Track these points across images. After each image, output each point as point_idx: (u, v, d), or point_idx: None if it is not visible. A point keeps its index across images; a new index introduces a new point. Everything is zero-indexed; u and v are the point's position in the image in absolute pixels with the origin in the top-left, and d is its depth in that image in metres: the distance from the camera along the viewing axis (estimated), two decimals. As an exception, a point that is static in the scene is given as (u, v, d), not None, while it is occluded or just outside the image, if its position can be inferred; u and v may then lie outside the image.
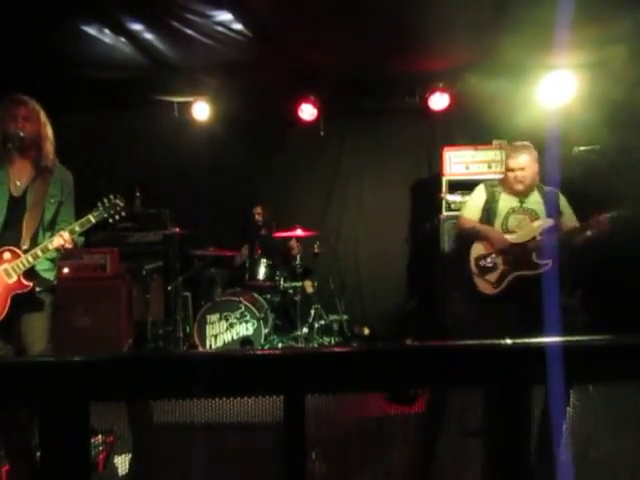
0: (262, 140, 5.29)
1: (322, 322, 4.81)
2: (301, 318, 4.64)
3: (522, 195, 3.16)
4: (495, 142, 4.61)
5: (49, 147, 2.54)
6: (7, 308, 2.41)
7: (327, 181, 5.50)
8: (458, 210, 4.46)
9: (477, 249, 3.19)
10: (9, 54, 3.77)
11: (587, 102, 4.30)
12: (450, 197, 4.56)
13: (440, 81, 4.74)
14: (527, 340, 1.07)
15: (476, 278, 3.15)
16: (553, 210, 3.13)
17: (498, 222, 3.15)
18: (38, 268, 2.54)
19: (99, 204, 2.56)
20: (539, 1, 3.10)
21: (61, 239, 2.42)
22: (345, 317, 4.96)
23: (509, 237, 3.10)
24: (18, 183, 2.49)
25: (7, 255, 2.42)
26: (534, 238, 3.06)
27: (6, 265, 2.41)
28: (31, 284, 2.46)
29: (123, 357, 1.01)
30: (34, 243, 2.48)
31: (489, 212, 3.18)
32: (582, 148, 2.92)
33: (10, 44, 3.63)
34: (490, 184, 3.32)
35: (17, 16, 3.23)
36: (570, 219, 3.14)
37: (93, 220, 2.52)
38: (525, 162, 3.13)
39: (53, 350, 2.49)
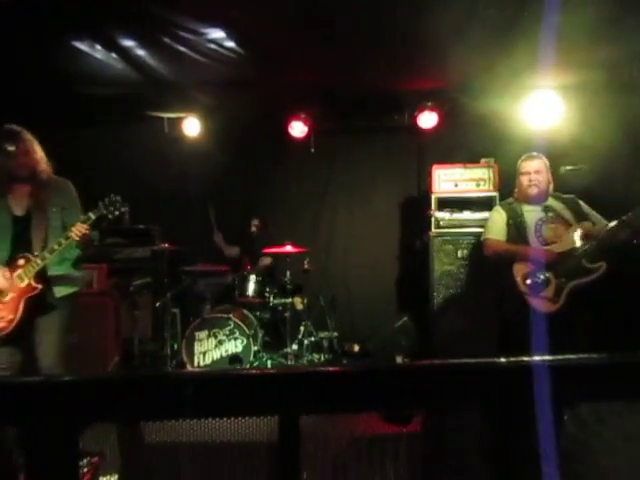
0: (253, 157, 5.30)
1: (312, 339, 4.76)
2: (291, 335, 4.60)
3: (540, 202, 3.09)
4: (484, 160, 4.66)
5: (43, 167, 2.62)
6: (21, 312, 2.49)
7: (317, 198, 5.51)
8: (447, 227, 4.53)
9: (520, 269, 3.00)
10: (-1, 69, 3.76)
11: (573, 123, 4.38)
12: (439, 214, 4.57)
13: (429, 100, 4.80)
14: (523, 358, 1.06)
15: (529, 298, 2.94)
16: (583, 216, 3.06)
17: (531, 235, 3.04)
18: (57, 273, 2.59)
19: (99, 203, 2.61)
20: (526, 23, 3.16)
21: (74, 231, 2.47)
22: (335, 334, 4.91)
23: (551, 248, 2.97)
24: (19, 204, 2.60)
25: (21, 261, 2.53)
26: (577, 245, 2.94)
27: (20, 271, 2.52)
28: (40, 286, 2.53)
29: (113, 377, 0.98)
30: (45, 249, 2.56)
31: (518, 227, 3.08)
32: (568, 167, 2.95)
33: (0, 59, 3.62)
34: (506, 202, 3.28)
35: (7, 31, 3.23)
36: (599, 220, 3.06)
37: (93, 216, 2.57)
38: (539, 166, 3.11)
39: (60, 364, 2.51)
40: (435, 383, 1.01)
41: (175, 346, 4.61)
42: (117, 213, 2.62)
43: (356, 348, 4.95)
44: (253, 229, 5.14)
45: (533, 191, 3.09)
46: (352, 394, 0.97)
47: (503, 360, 1.05)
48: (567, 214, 3.07)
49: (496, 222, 3.21)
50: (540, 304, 2.89)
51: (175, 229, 4.96)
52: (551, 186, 3.20)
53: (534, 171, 3.12)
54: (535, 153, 3.21)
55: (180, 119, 5.06)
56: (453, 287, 4.46)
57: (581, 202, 3.14)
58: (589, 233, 2.95)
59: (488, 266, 3.32)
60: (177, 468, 1.17)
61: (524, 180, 3.14)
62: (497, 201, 4.31)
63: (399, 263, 5.42)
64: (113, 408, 0.93)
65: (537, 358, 1.05)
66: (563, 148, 3.29)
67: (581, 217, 3.08)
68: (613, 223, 2.86)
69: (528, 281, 2.95)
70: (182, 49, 3.49)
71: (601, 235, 2.89)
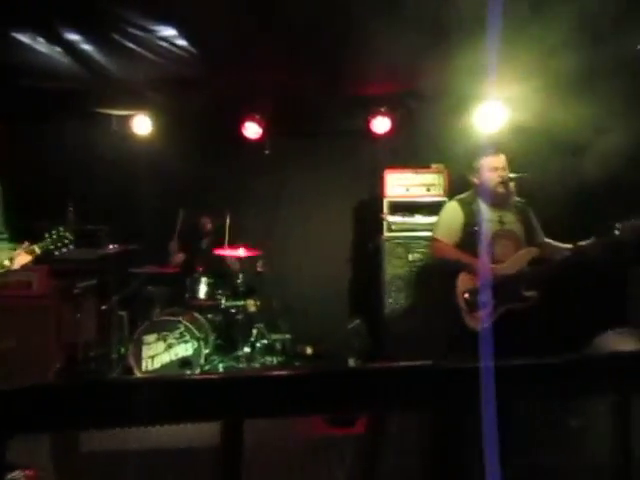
0: (206, 157, 5.19)
1: (264, 341, 4.73)
2: (243, 338, 4.58)
3: (504, 204, 3.01)
4: (434, 166, 4.76)
5: None
6: None
7: (272, 200, 5.47)
8: (399, 231, 4.60)
9: (465, 282, 2.93)
10: None
11: (516, 131, 4.58)
12: (391, 218, 4.64)
13: (382, 105, 4.87)
14: (465, 363, 1.09)
15: (464, 314, 2.89)
16: (532, 232, 3.03)
17: (484, 248, 2.92)
18: None
19: (46, 235, 2.46)
20: (475, 36, 3.27)
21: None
22: (288, 336, 4.92)
23: (497, 267, 2.91)
24: None
25: None
26: (521, 269, 2.91)
27: None
28: None
29: (44, 387, 0.94)
30: None
31: (474, 236, 2.93)
32: (512, 175, 3.00)
33: None
34: (465, 201, 3.08)
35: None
36: (539, 234, 3.07)
37: (38, 250, 2.47)
38: (505, 163, 2.98)
39: None
40: (379, 386, 1.03)
41: (122, 350, 4.48)
42: (64, 250, 2.50)
43: (309, 350, 4.96)
44: (204, 229, 5.05)
45: (501, 191, 2.97)
46: (296, 398, 0.97)
47: (444, 363, 1.08)
48: (519, 230, 3.02)
49: (450, 223, 3.05)
50: (473, 322, 2.87)
51: (124, 230, 4.82)
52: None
53: (502, 167, 2.98)
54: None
55: (129, 117, 4.92)
56: (405, 290, 4.52)
57: (531, 212, 3.12)
58: (535, 259, 2.93)
59: (435, 270, 3.32)
60: (116, 478, 1.13)
61: (493, 177, 2.97)
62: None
63: (352, 266, 5.44)
64: (42, 418, 0.89)
65: (476, 363, 1.08)
66: (509, 156, 3.40)
67: (530, 233, 3.05)
68: (563, 255, 2.87)
69: (467, 296, 2.89)
70: (131, 45, 3.40)
71: (548, 267, 2.90)
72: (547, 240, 3.09)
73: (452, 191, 4.35)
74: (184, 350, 4.19)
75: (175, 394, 0.99)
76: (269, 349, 4.76)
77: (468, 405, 1.07)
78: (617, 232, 2.77)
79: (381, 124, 4.92)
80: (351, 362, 4.48)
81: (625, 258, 3.16)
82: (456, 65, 3.63)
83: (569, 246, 2.90)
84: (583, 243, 2.86)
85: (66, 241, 2.50)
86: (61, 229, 2.51)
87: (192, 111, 4.84)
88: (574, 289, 3.97)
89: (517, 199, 3.10)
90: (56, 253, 2.49)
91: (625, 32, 3.43)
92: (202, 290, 4.60)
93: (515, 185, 3.04)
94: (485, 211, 3.01)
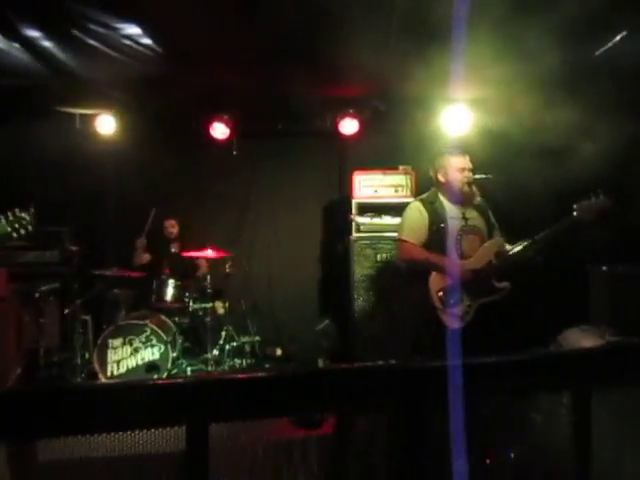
0: (173, 157, 5.08)
1: (233, 344, 4.69)
2: (211, 340, 4.52)
3: (467, 203, 3.05)
4: (402, 167, 4.81)
5: None
6: None
7: (240, 201, 5.45)
8: (368, 232, 4.64)
9: (437, 282, 2.93)
10: None
11: (481, 133, 4.68)
12: (360, 219, 4.67)
13: (350, 107, 4.89)
14: (434, 363, 1.10)
15: (440, 313, 2.91)
16: (491, 228, 3.10)
17: (451, 246, 2.95)
18: None
19: (1, 217, 2.32)
20: (440, 40, 3.33)
21: None
22: (257, 338, 4.87)
23: (466, 263, 2.95)
24: None
25: None
26: (490, 262, 2.95)
27: None
28: None
29: (2, 394, 0.90)
30: None
31: (441, 234, 2.96)
32: (477, 176, 3.06)
33: None
34: (428, 200, 3.09)
35: None
36: (497, 231, 3.14)
37: None
38: (470, 163, 3.03)
39: None
40: (345, 387, 1.03)
41: (86, 355, 4.37)
42: (23, 232, 2.36)
43: (278, 352, 4.95)
44: (170, 230, 4.98)
45: (466, 190, 3.00)
46: (261, 400, 0.97)
47: (411, 362, 1.09)
48: (481, 224, 3.08)
49: (416, 223, 3.04)
50: (450, 321, 2.88)
51: (87, 231, 4.70)
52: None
53: (469, 168, 3.03)
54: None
55: (93, 116, 4.82)
56: (373, 290, 4.56)
57: (490, 211, 3.19)
58: (500, 251, 2.99)
59: (405, 271, 3.29)
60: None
61: (459, 177, 3.00)
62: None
63: (321, 267, 5.46)
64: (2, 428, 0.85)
65: (443, 362, 1.09)
66: (474, 157, 3.47)
67: (490, 230, 3.12)
68: (524, 243, 2.93)
69: (441, 294, 2.91)
70: (94, 43, 3.31)
71: (511, 255, 2.95)
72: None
73: (420, 192, 4.36)
74: (151, 354, 4.11)
75: (139, 399, 0.97)
76: (238, 351, 4.73)
77: (435, 404, 1.08)
78: (575, 213, 2.84)
79: (349, 125, 4.95)
80: (320, 363, 4.49)
81: (585, 237, 3.19)
82: (424, 68, 3.68)
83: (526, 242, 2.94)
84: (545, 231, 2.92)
85: (24, 222, 2.35)
86: (17, 210, 2.35)
87: (157, 111, 4.77)
88: (540, 284, 4.06)
89: (479, 199, 3.16)
90: (14, 235, 2.33)
91: (594, 34, 3.54)
92: (169, 292, 4.52)
93: (478, 186, 3.11)
94: (449, 209, 3.04)
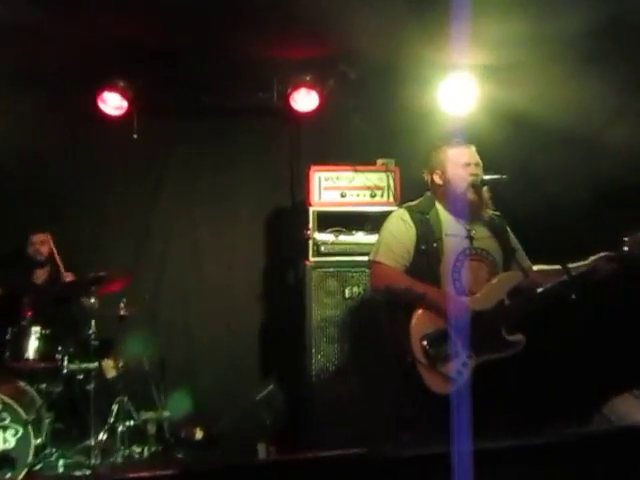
0: (42, 143, 5.09)
1: (130, 423, 4.61)
2: (97, 418, 4.44)
3: (474, 216, 3.09)
4: (380, 162, 4.82)
5: None
6: None
7: (143, 208, 5.43)
8: (331, 255, 4.63)
9: (422, 323, 2.92)
10: None
11: (492, 114, 4.77)
12: (320, 236, 4.64)
13: (307, 74, 4.90)
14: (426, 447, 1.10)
15: (423, 369, 2.87)
16: (511, 252, 3.13)
17: (446, 274, 2.99)
18: None
19: None
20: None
21: None
22: (166, 414, 4.80)
23: (468, 301, 2.96)
24: None
25: None
26: (501, 302, 2.97)
27: None
28: None
29: None
30: None
31: (430, 257, 3.00)
32: (487, 176, 3.07)
33: None
34: (418, 209, 3.14)
35: None
36: (523, 257, 3.19)
37: None
38: (478, 159, 3.09)
39: None
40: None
41: None
42: None
43: (199, 434, 4.91)
44: (37, 249, 4.91)
45: (473, 196, 3.05)
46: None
47: (392, 449, 1.09)
48: (494, 248, 3.12)
49: (398, 240, 3.08)
50: (435, 382, 2.88)
51: None
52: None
53: (475, 163, 3.08)
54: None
55: None
56: (338, 340, 4.53)
57: (509, 228, 3.24)
58: (518, 288, 3.01)
59: (383, 309, 3.29)
60: None
61: (463, 175, 3.05)
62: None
63: (264, 306, 5.46)
64: None
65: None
66: (484, 149, 3.48)
67: (509, 254, 3.15)
68: (555, 281, 2.95)
69: (425, 344, 2.88)
70: None
71: (538, 297, 2.98)
72: (531, 265, 3.19)
73: (406, 197, 4.43)
74: (2, 441, 4.03)
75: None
76: (137, 434, 4.66)
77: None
78: (625, 247, 2.94)
79: (305, 100, 4.96)
80: (261, 450, 4.45)
81: (637, 279, 3.31)
82: (412, 20, 3.72)
83: (560, 267, 2.98)
84: (582, 262, 3.00)
85: None
86: None
87: (23, 75, 4.68)
88: (574, 329, 4.16)
89: (491, 211, 3.20)
90: None
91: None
92: (32, 346, 4.39)
93: (489, 190, 3.12)
94: (448, 223, 3.08)
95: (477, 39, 4.13)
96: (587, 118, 4.12)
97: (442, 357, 2.88)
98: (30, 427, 4.03)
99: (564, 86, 4.22)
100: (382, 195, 4.74)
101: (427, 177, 3.22)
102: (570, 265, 2.96)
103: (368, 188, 4.77)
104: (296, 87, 4.95)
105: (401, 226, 3.10)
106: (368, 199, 4.75)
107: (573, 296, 2.92)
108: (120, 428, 4.51)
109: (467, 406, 2.68)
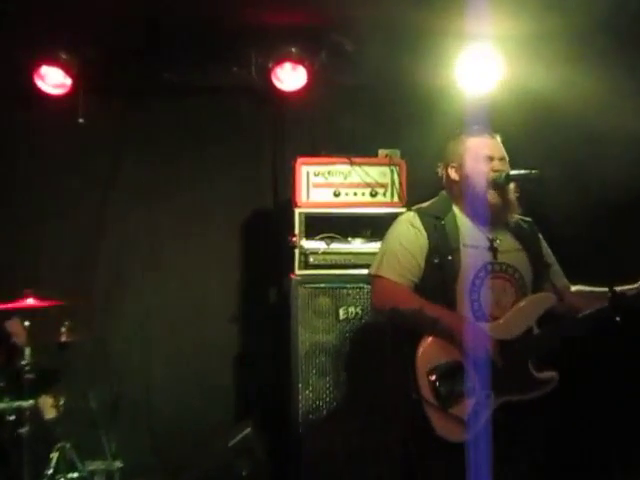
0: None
1: (74, 475, 4.54)
2: (32, 469, 4.37)
3: (495, 224, 3.11)
4: (382, 153, 4.77)
5: None
6: None
7: (90, 208, 5.44)
8: (322, 267, 4.63)
9: (430, 353, 2.92)
10: None
11: (520, 97, 4.75)
12: (308, 244, 4.61)
13: (292, 45, 4.84)
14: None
15: (431, 411, 2.86)
16: (543, 268, 3.14)
17: (464, 292, 2.99)
18: None
19: None
20: None
21: None
22: (118, 464, 4.74)
23: (489, 327, 2.96)
24: None
25: None
26: (529, 330, 2.97)
27: None
28: None
29: None
30: None
31: (444, 271, 3.00)
32: (513, 172, 3.03)
33: None
34: (431, 212, 3.17)
35: None
36: (558, 274, 3.21)
37: None
38: (504, 152, 3.11)
39: None
40: None
41: None
42: None
43: (158, 488, 4.87)
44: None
45: (497, 199, 3.06)
46: None
47: None
48: (522, 263, 3.12)
49: (406, 250, 3.08)
50: (445, 426, 2.86)
51: None
52: None
53: (500, 157, 3.10)
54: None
55: None
56: (331, 372, 4.49)
57: (540, 236, 3.25)
58: (550, 313, 3.01)
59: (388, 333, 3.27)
60: None
61: (485, 170, 3.07)
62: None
63: (240, 330, 5.47)
64: None
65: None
66: (510, 139, 3.42)
67: (541, 271, 3.15)
68: (596, 307, 2.93)
69: (433, 378, 2.87)
70: None
71: (571, 322, 3.00)
72: (569, 284, 3.23)
73: (414, 196, 4.38)
74: None
75: None
76: None
77: None
78: None
79: (291, 77, 4.93)
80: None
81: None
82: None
83: (605, 290, 2.96)
84: (629, 287, 2.95)
85: None
86: None
87: None
88: (616, 365, 4.13)
89: (519, 216, 3.20)
90: None
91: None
92: (-50, 381, 4.32)
93: (517, 189, 3.12)
94: (467, 230, 3.09)
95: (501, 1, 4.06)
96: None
97: (454, 396, 2.87)
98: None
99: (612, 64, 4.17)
100: (385, 194, 4.68)
101: (441, 172, 3.24)
102: (618, 288, 2.93)
103: (367, 185, 4.70)
104: (279, 61, 4.89)
105: (410, 233, 3.10)
106: (367, 199, 4.69)
107: (618, 318, 2.90)
108: (61, 480, 4.50)
109: (486, 456, 2.72)
